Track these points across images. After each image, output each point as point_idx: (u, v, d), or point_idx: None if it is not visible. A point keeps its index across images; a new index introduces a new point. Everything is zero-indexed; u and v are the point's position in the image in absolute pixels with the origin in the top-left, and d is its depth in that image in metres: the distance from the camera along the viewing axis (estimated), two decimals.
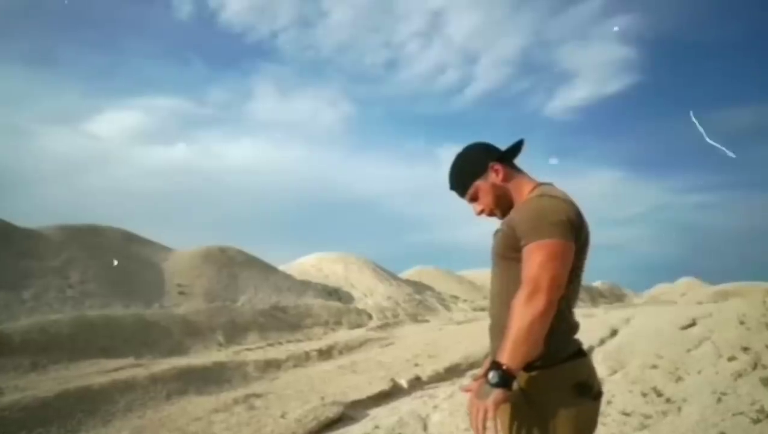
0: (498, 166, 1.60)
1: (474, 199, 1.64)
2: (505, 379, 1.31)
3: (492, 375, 1.32)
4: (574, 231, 1.44)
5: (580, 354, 1.54)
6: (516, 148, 1.65)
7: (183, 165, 60.79)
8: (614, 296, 27.11)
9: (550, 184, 1.60)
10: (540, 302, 1.33)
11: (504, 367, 1.31)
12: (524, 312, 1.33)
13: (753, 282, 23.32)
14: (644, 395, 4.78)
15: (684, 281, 30.65)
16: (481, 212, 1.64)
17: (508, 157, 1.64)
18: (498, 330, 1.55)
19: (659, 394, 4.76)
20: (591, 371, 1.53)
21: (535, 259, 1.39)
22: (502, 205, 1.60)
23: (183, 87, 65.37)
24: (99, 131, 55.19)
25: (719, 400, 4.40)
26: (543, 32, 59.83)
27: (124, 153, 58.99)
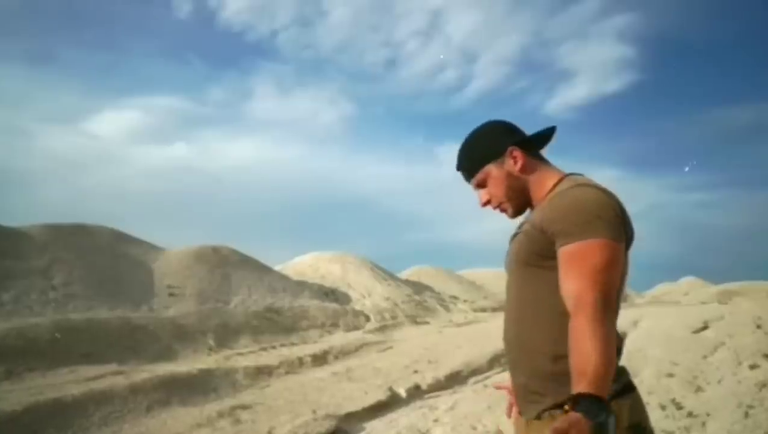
0: (519, 152, 1.26)
1: (481, 185, 1.31)
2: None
3: (597, 411, 0.93)
4: (623, 231, 1.11)
5: (631, 388, 1.19)
6: (545, 135, 1.31)
7: (182, 164, 60.38)
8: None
9: (580, 174, 1.26)
10: (606, 321, 1.02)
11: (604, 402, 0.95)
12: (597, 336, 0.99)
13: (756, 282, 22.94)
14: (663, 408, 4.41)
15: (686, 281, 30.29)
16: (487, 203, 1.33)
17: (533, 144, 1.30)
18: (522, 357, 1.22)
19: (679, 407, 4.39)
20: (644, 409, 1.20)
21: (586, 264, 1.05)
22: (514, 199, 1.28)
23: (182, 86, 64.94)
24: (98, 131, 54.77)
25: (746, 415, 4.03)
26: (542, 31, 59.47)
27: (123, 152, 58.58)
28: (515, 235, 1.29)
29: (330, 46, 61.25)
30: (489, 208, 1.34)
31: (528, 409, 1.22)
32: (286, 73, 64.15)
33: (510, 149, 1.26)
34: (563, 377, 1.10)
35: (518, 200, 1.29)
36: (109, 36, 55.96)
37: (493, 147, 1.28)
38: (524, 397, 1.24)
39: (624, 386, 1.18)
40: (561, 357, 1.11)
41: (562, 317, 1.09)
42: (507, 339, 1.28)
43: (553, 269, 1.13)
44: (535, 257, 1.18)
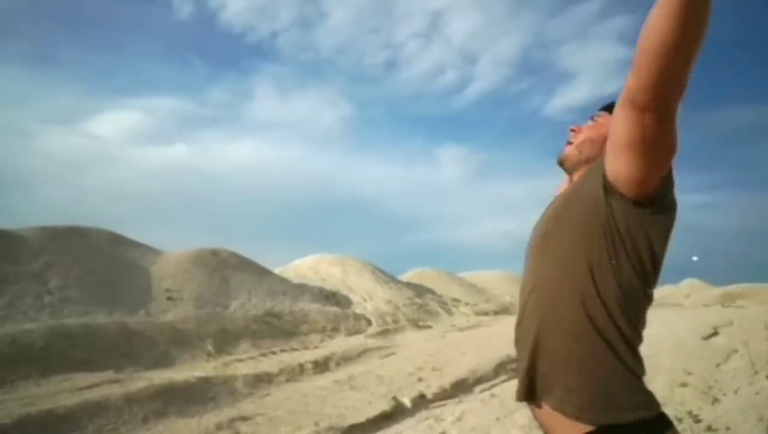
0: None
1: (593, 119, 1.30)
2: None
3: None
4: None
5: (666, 421, 1.02)
6: None
7: (182, 165, 60.22)
8: None
9: None
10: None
11: None
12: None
13: (758, 284, 22.76)
14: (680, 420, 4.24)
15: (688, 283, 30.13)
16: (575, 130, 1.32)
17: None
18: (542, 337, 1.08)
19: (697, 420, 4.22)
20: None
21: None
22: (581, 151, 1.27)
23: (183, 87, 64.77)
24: (99, 131, 54.55)
25: None
26: (542, 33, 59.41)
27: (123, 153, 58.37)
28: (549, 205, 1.24)
29: (330, 47, 61.14)
30: (570, 134, 1.33)
31: (559, 401, 1.04)
32: (286, 74, 64.03)
33: None
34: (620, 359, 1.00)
35: (580, 156, 1.25)
36: (110, 37, 55.79)
37: None
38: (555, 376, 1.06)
39: (658, 417, 1.01)
40: (612, 322, 1.01)
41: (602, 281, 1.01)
42: (526, 316, 1.14)
43: (598, 220, 1.04)
44: (587, 200, 1.07)
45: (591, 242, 1.03)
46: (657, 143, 0.94)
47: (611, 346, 1.00)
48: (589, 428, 0.97)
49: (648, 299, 1.07)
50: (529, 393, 1.08)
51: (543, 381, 1.05)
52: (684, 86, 0.91)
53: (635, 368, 1.02)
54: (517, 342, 1.16)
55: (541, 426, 1.09)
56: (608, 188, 1.02)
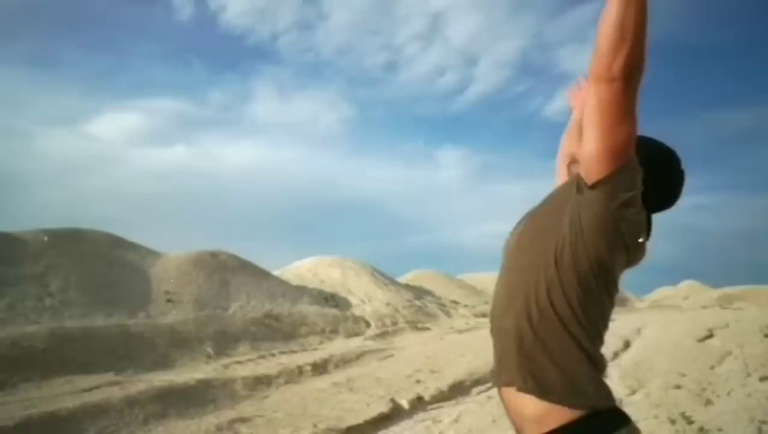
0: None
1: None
2: None
3: None
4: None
5: (625, 419, 1.04)
6: (656, 193, 1.16)
7: (182, 167, 60.24)
8: (617, 301, 26.59)
9: None
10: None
11: None
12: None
13: (757, 286, 22.79)
14: (672, 422, 4.30)
15: (686, 285, 30.23)
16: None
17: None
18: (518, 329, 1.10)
19: (689, 421, 4.28)
20: None
21: None
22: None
23: (183, 89, 64.84)
24: (99, 133, 54.58)
25: (760, 430, 3.92)
26: (542, 34, 59.55)
27: (123, 155, 58.39)
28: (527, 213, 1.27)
29: (330, 49, 61.27)
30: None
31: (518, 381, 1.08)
32: (286, 76, 64.15)
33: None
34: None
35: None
36: (110, 38, 55.91)
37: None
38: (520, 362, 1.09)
39: (618, 409, 1.05)
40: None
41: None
42: (502, 308, 1.18)
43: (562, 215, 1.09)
44: (562, 197, 1.12)
45: (559, 237, 1.07)
46: (613, 110, 0.98)
47: (574, 338, 1.03)
48: (561, 411, 1.00)
49: (611, 301, 1.10)
50: (503, 379, 1.11)
51: (514, 367, 1.09)
52: (634, 57, 0.97)
53: (598, 362, 1.06)
54: (492, 330, 1.21)
55: (511, 413, 1.11)
56: (579, 183, 1.06)
